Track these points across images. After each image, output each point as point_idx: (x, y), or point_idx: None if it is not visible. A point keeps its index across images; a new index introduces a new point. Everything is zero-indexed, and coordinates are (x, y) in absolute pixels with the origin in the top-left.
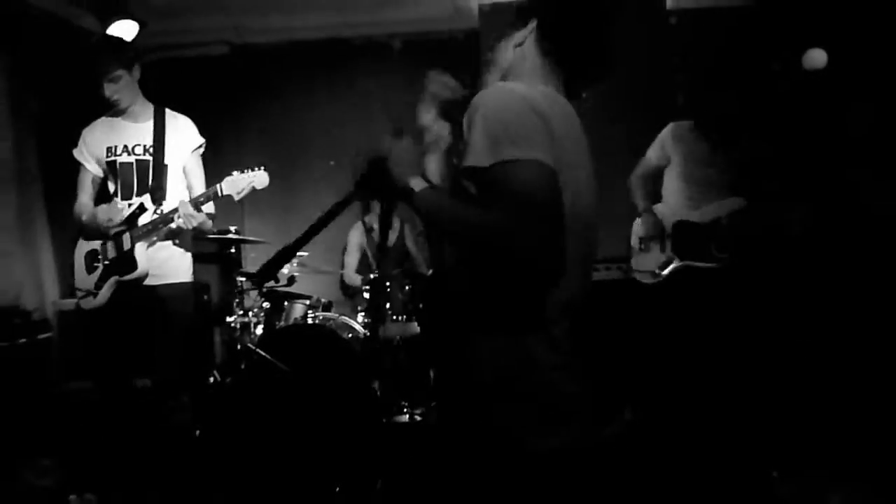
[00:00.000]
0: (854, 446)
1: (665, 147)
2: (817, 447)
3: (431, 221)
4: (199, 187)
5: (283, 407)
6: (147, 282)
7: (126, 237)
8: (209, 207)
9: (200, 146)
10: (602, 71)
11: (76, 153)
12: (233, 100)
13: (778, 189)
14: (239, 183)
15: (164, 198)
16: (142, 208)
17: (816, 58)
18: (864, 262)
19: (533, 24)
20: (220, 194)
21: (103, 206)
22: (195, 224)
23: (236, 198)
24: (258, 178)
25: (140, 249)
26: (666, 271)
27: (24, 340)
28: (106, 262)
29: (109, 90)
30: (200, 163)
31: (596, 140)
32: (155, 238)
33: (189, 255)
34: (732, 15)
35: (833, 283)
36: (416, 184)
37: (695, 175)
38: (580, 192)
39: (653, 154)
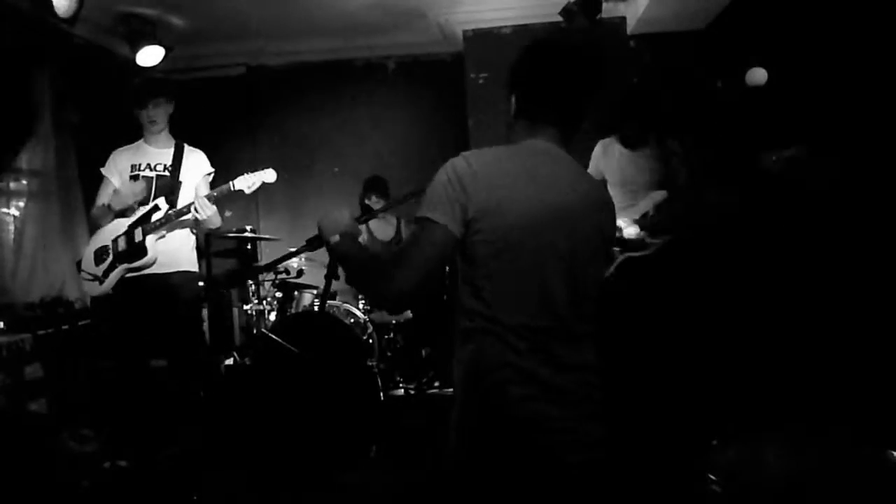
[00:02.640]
0: (791, 407)
1: (597, 162)
2: (754, 414)
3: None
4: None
5: (293, 383)
6: (156, 270)
7: (138, 231)
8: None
9: (210, 174)
10: (578, 125)
11: (104, 170)
12: (249, 114)
13: (699, 178)
14: (249, 179)
15: (175, 205)
16: (156, 208)
17: (758, 75)
18: (777, 233)
19: (513, 98)
20: (232, 189)
21: (127, 183)
22: (209, 213)
23: (247, 191)
24: (266, 174)
25: (150, 241)
26: (612, 268)
27: (66, 327)
28: (117, 252)
29: (152, 112)
30: (207, 186)
31: (571, 149)
32: (164, 232)
33: (194, 247)
34: (685, 39)
35: (749, 255)
36: (335, 239)
37: (622, 178)
38: (526, 231)
39: (590, 171)
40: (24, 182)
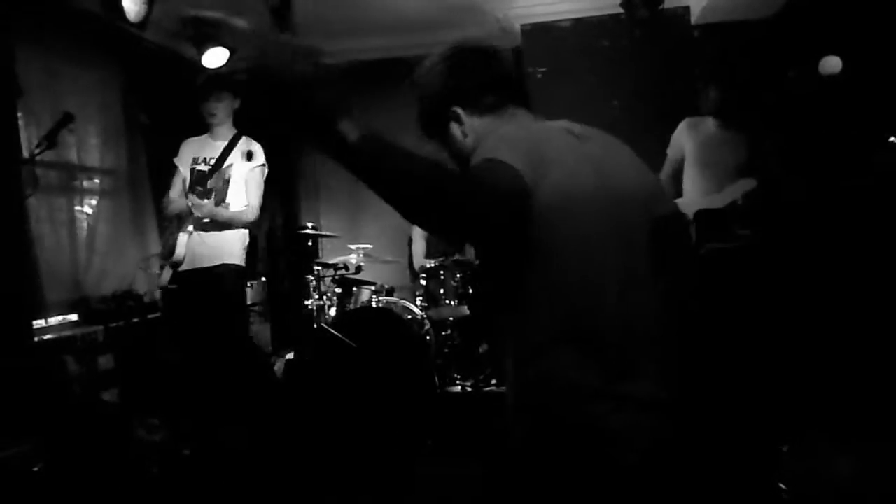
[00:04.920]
0: (864, 416)
1: (680, 138)
2: (828, 421)
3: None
4: (253, 197)
5: (351, 378)
6: (202, 265)
7: (173, 228)
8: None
9: (261, 165)
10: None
11: (176, 159)
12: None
13: (787, 169)
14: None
15: (207, 196)
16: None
17: (832, 64)
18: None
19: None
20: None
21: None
22: (204, 212)
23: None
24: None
25: (181, 239)
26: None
27: (136, 320)
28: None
29: (212, 106)
30: (258, 179)
31: (634, 146)
32: (190, 228)
33: (245, 244)
34: (752, 28)
35: (844, 252)
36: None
37: (708, 160)
38: (583, 218)
39: (670, 150)
40: (97, 180)
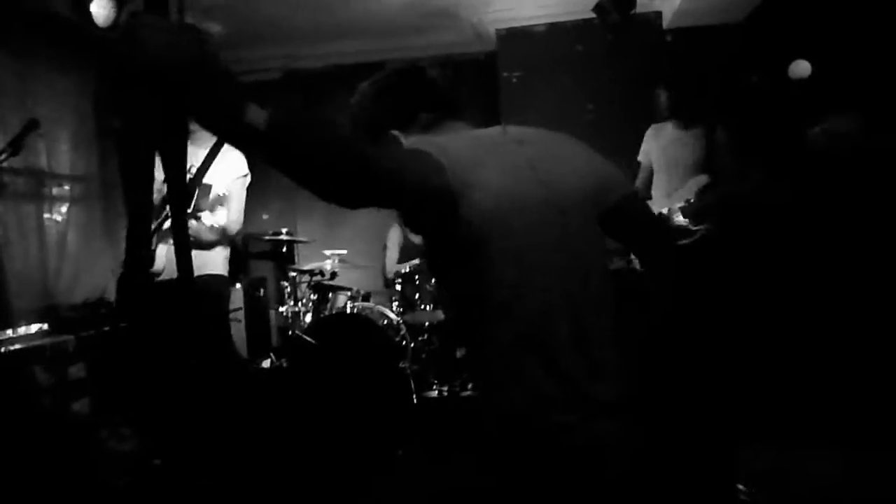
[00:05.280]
0: (822, 416)
1: (646, 146)
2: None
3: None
4: (234, 211)
5: (327, 385)
6: (173, 276)
7: (153, 239)
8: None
9: (244, 176)
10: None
11: None
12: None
13: (740, 165)
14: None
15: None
16: (167, 217)
17: (802, 68)
18: (825, 215)
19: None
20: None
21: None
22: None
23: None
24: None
25: (161, 250)
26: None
27: (108, 328)
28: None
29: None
30: (240, 191)
31: (603, 148)
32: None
33: (221, 251)
34: (723, 32)
35: (793, 243)
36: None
37: (669, 162)
38: (516, 226)
39: (641, 158)
40: (67, 187)
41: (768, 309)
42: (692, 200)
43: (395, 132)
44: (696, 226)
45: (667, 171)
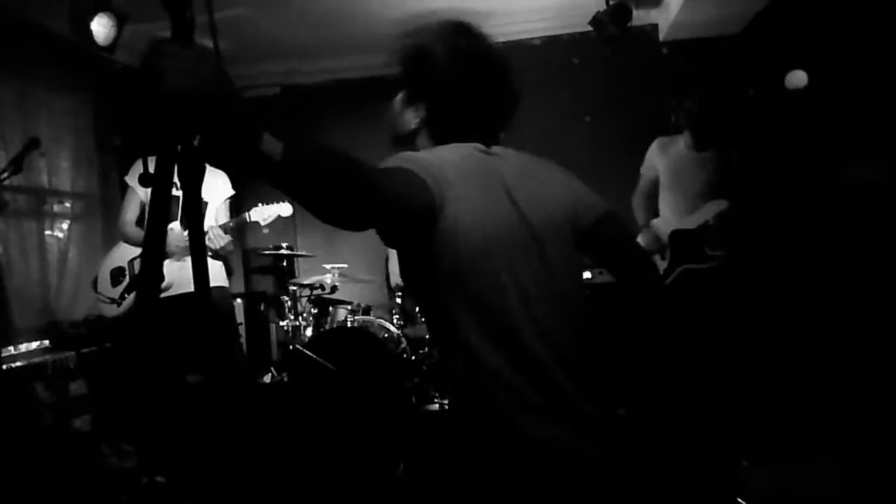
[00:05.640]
0: (825, 432)
1: (652, 158)
2: (790, 437)
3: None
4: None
5: (328, 399)
6: (182, 290)
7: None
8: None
9: (230, 197)
10: (498, 129)
11: (128, 178)
12: (283, 134)
13: (756, 189)
14: (265, 212)
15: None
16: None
17: (798, 78)
18: (842, 249)
19: (423, 112)
20: (248, 221)
21: (176, 230)
22: (222, 244)
23: (262, 223)
24: (283, 208)
25: (167, 266)
26: (669, 280)
27: (108, 345)
28: (134, 275)
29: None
30: (227, 210)
31: (599, 160)
32: (177, 256)
33: (220, 264)
34: (719, 45)
35: (813, 270)
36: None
37: (679, 181)
38: (489, 242)
39: (644, 170)
40: (68, 204)
41: (772, 327)
42: (711, 222)
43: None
44: (713, 251)
45: (680, 190)
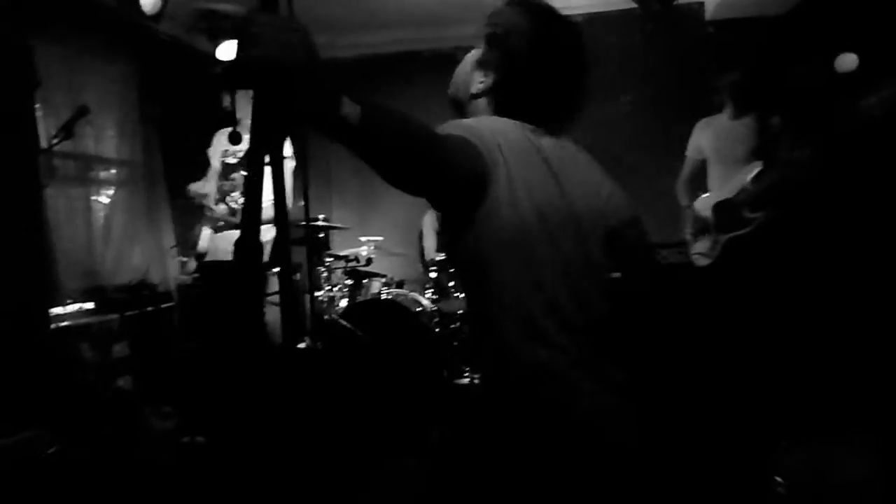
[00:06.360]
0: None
1: (697, 140)
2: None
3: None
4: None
5: (360, 369)
6: (225, 257)
7: (199, 224)
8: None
9: (289, 158)
10: (562, 121)
11: (209, 150)
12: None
13: (791, 145)
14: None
15: (229, 191)
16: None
17: (848, 61)
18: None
19: (490, 80)
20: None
21: (198, 183)
22: (217, 217)
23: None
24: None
25: (204, 233)
26: (716, 252)
27: (151, 309)
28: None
29: (227, 100)
30: (289, 175)
31: (644, 141)
32: (221, 223)
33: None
34: (767, 24)
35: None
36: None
37: (724, 154)
38: (543, 203)
39: (689, 153)
40: (113, 171)
41: (816, 301)
42: (748, 187)
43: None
44: (753, 213)
45: (723, 162)
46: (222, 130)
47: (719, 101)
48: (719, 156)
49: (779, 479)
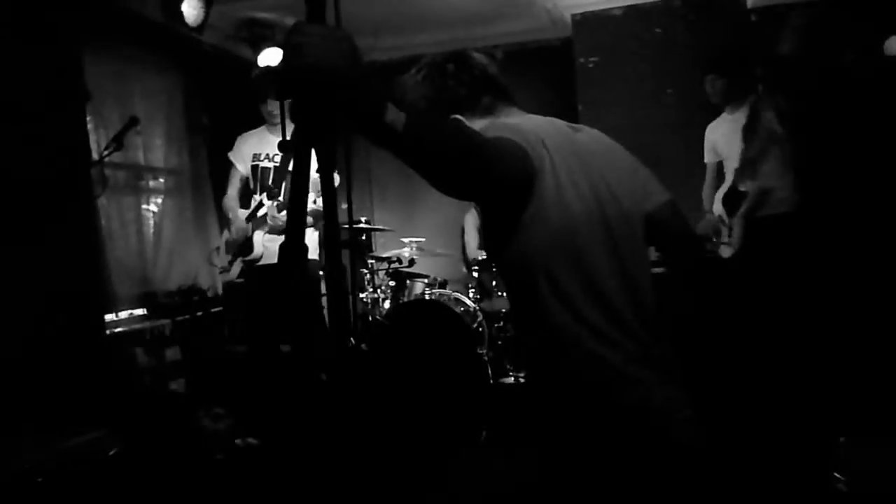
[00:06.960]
0: None
1: (710, 144)
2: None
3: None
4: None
5: (405, 369)
6: (270, 261)
7: (249, 226)
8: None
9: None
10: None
11: (231, 154)
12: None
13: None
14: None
15: (278, 196)
16: (260, 205)
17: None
18: None
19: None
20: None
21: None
22: (280, 224)
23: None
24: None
25: (258, 236)
26: (738, 236)
27: (200, 313)
28: (237, 245)
29: (272, 105)
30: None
31: (682, 136)
32: (267, 227)
33: (311, 234)
34: (811, 10)
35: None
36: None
37: (729, 149)
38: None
39: (706, 158)
40: (162, 180)
41: (876, 300)
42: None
43: (459, 116)
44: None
45: (735, 159)
46: (246, 134)
47: (716, 104)
48: (732, 153)
49: (838, 475)
